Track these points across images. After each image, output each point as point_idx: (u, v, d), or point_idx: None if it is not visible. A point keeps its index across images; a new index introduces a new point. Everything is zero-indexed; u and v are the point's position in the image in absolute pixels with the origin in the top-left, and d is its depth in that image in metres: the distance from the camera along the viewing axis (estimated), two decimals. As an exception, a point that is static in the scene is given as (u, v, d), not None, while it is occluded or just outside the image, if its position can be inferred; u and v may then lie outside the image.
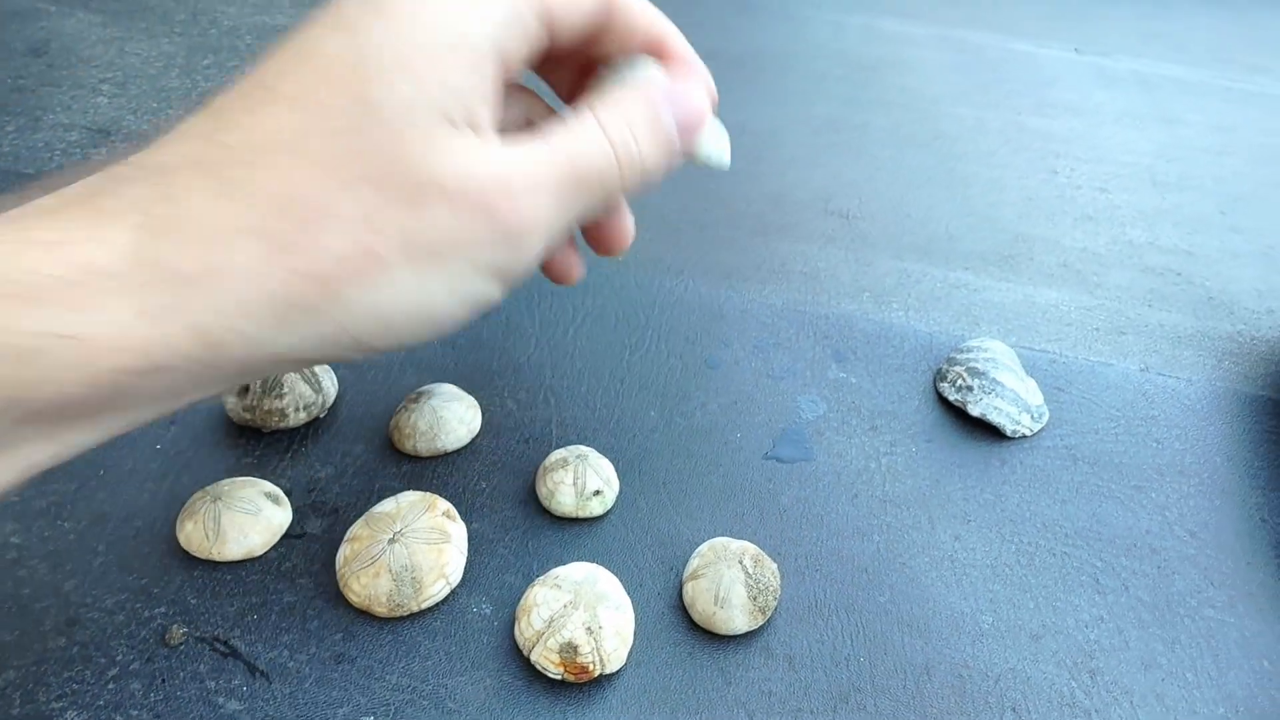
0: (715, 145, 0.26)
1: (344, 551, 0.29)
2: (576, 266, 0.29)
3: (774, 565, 0.31)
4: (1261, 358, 0.45)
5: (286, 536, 0.31)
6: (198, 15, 0.67)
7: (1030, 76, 0.79)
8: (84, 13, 0.66)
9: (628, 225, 0.28)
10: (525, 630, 0.28)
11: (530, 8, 0.22)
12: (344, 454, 0.34)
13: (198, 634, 0.28)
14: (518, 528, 0.32)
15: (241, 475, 0.32)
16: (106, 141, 0.51)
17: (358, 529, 0.29)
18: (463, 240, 0.20)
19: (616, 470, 0.34)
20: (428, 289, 0.20)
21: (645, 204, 0.37)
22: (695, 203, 0.52)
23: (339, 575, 0.29)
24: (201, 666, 0.27)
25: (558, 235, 0.22)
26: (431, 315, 0.21)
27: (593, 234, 0.28)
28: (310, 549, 0.31)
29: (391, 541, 0.29)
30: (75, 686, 0.27)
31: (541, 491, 0.33)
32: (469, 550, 0.31)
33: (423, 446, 0.34)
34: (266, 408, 0.33)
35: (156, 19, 0.66)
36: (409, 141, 0.19)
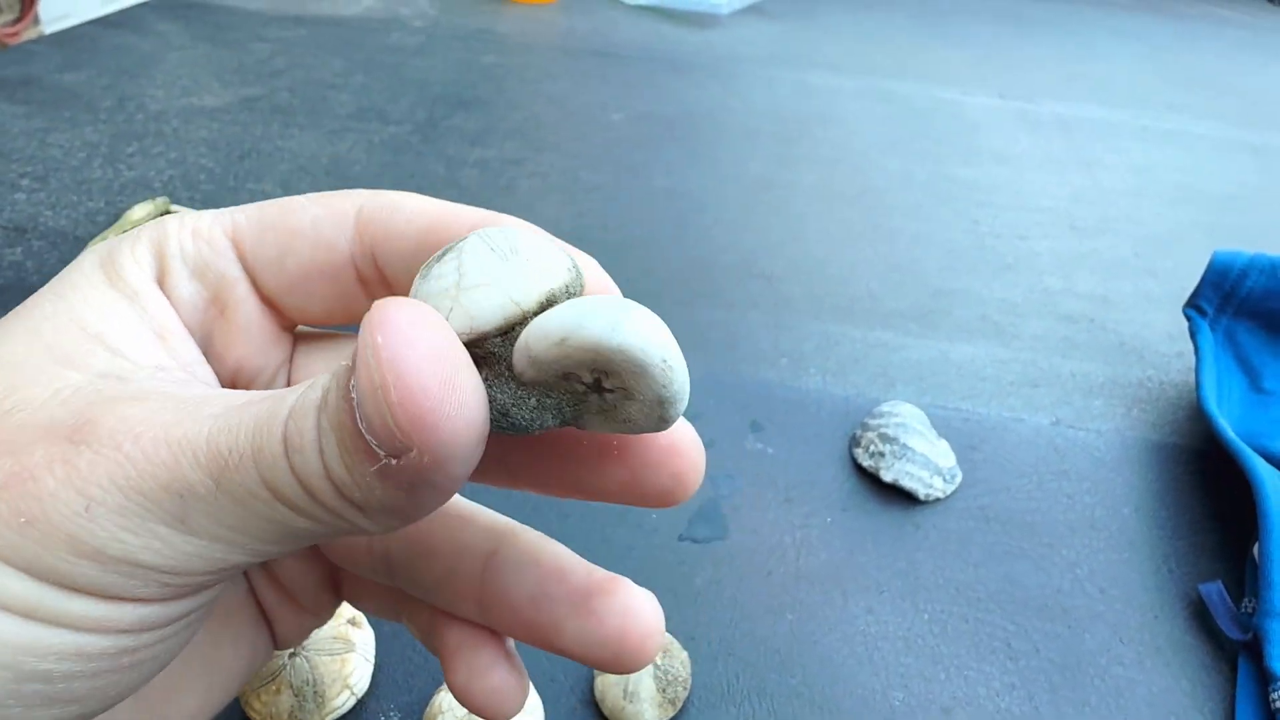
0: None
1: (245, 667, 0.29)
2: (509, 690, 0.19)
3: (684, 654, 0.31)
4: (1170, 403, 0.46)
5: (190, 651, 0.31)
6: (124, 101, 0.68)
7: (956, 125, 0.81)
8: (7, 104, 0.66)
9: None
10: (430, 739, 0.28)
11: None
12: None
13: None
14: (429, 626, 0.32)
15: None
16: (23, 240, 0.51)
17: (259, 643, 0.29)
18: None
19: (530, 560, 0.34)
20: None
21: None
22: (616, 270, 0.53)
23: (240, 695, 0.28)
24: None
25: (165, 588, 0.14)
26: None
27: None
28: (214, 663, 0.30)
29: (292, 655, 0.28)
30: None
31: (453, 587, 0.33)
32: (377, 656, 0.31)
33: (333, 547, 0.33)
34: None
35: (81, 107, 0.66)
36: None
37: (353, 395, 0.13)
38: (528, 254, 0.15)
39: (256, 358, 0.19)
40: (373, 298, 0.18)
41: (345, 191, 0.18)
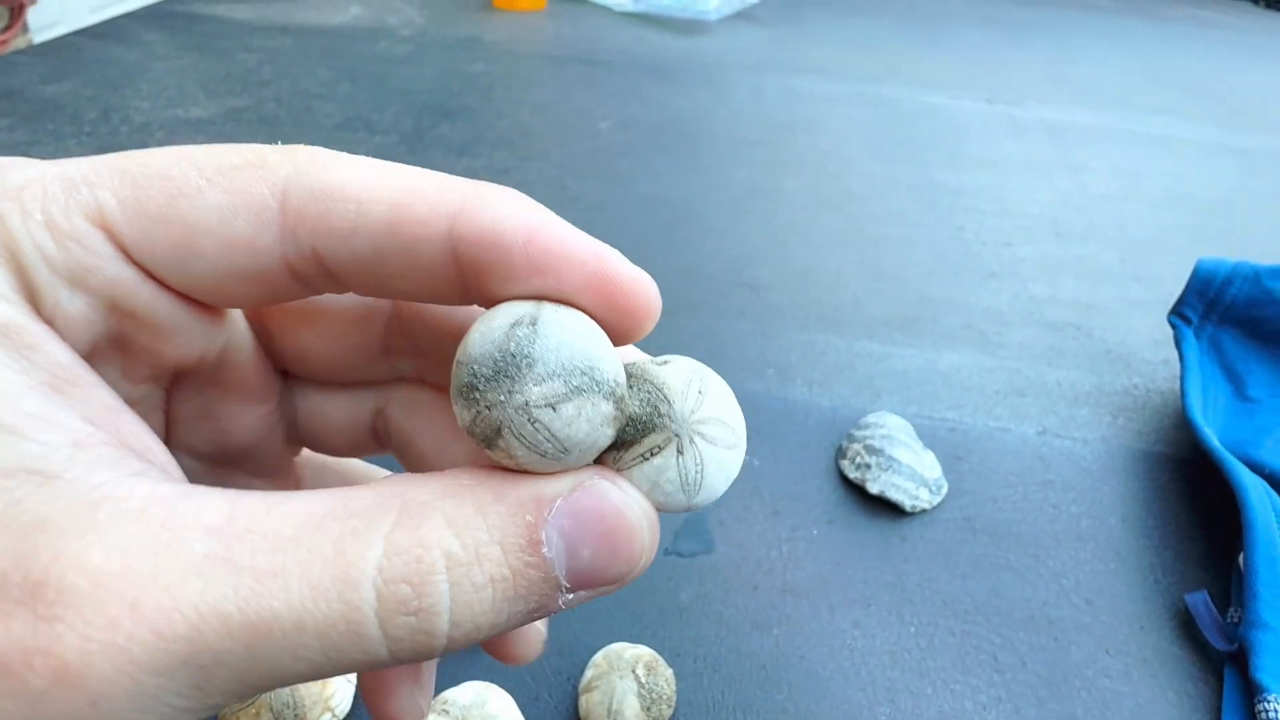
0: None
1: (225, 691, 0.29)
2: (411, 712, 0.19)
3: (669, 671, 0.30)
4: (1156, 411, 0.46)
5: (171, 674, 0.30)
6: (109, 113, 0.67)
7: (943, 130, 0.81)
8: (-8, 117, 0.66)
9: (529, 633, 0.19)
10: (412, 761, 0.27)
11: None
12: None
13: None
14: (413, 645, 0.32)
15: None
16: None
17: (239, 666, 0.29)
18: None
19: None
20: None
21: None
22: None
23: (220, 716, 0.28)
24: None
25: None
26: None
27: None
28: (194, 687, 0.30)
29: (272, 678, 0.28)
30: None
31: (436, 606, 0.32)
32: (359, 676, 0.30)
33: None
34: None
35: (65, 119, 0.66)
36: None
37: (545, 547, 0.13)
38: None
39: (195, 347, 0.16)
40: (318, 293, 0.15)
41: (248, 157, 0.14)
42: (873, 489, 0.38)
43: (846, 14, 1.18)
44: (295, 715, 0.28)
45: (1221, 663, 0.33)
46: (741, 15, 1.11)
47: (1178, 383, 0.47)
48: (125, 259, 0.13)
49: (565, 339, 0.13)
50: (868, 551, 0.37)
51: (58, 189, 0.13)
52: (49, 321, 0.13)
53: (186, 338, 0.15)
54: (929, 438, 0.42)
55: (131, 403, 0.15)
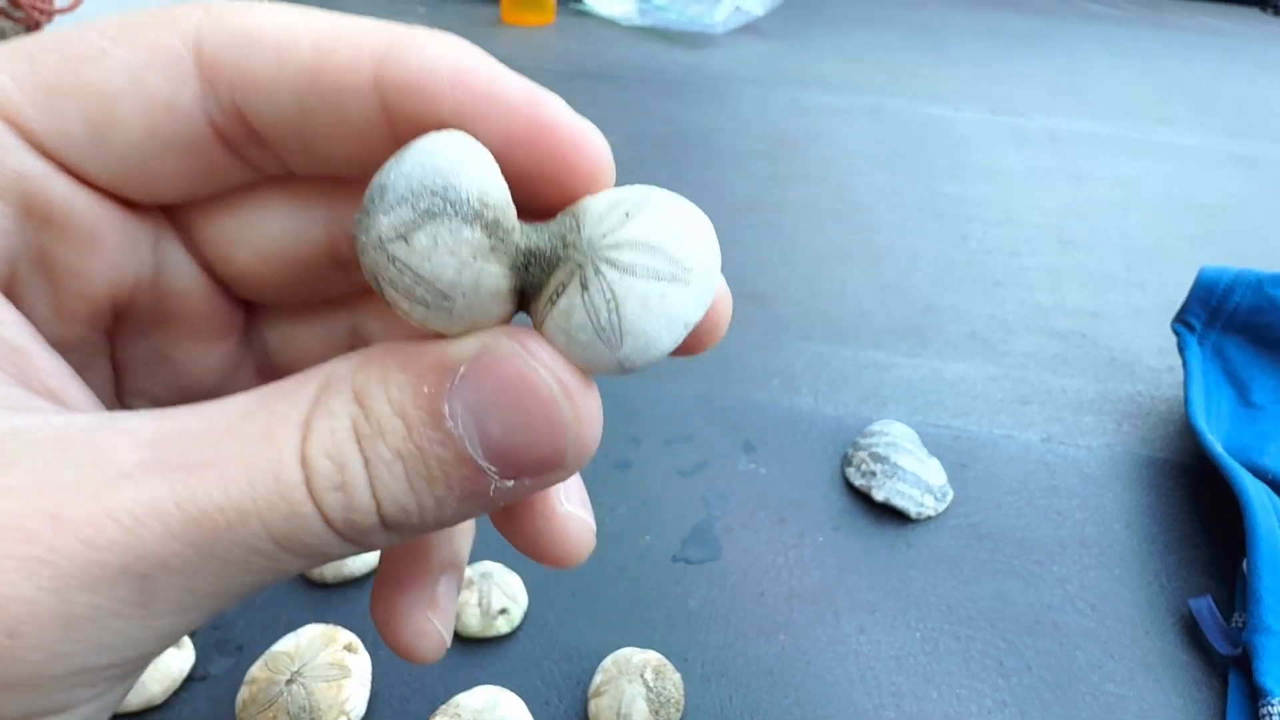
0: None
1: (243, 695, 0.29)
2: (429, 634, 0.17)
3: (677, 676, 0.31)
4: (1160, 418, 0.46)
5: (189, 680, 0.31)
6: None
7: (946, 141, 0.82)
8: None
9: (572, 522, 0.16)
10: (425, 764, 0.28)
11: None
12: (253, 585, 0.34)
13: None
14: (425, 651, 0.32)
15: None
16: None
17: (256, 670, 0.30)
18: None
19: (525, 583, 0.34)
20: None
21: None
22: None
23: (236, 716, 0.29)
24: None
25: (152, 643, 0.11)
26: None
27: (516, 537, 0.16)
28: (213, 692, 0.31)
29: (289, 682, 0.29)
30: None
31: (448, 612, 0.33)
32: (374, 681, 0.31)
33: (329, 573, 0.34)
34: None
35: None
36: None
37: (449, 421, 0.11)
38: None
39: (126, 264, 0.14)
40: (246, 160, 0.13)
41: (154, 13, 0.12)
42: (878, 496, 0.38)
43: (851, 27, 1.19)
44: (312, 719, 0.28)
45: (1226, 667, 0.33)
46: (747, 29, 1.12)
47: (1182, 389, 0.47)
48: (31, 149, 0.12)
49: (421, 161, 0.11)
50: (873, 558, 0.37)
51: None
52: None
53: (114, 249, 0.13)
54: (934, 445, 0.43)
55: (68, 348, 0.13)
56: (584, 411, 0.12)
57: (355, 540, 0.11)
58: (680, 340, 0.12)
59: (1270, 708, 0.30)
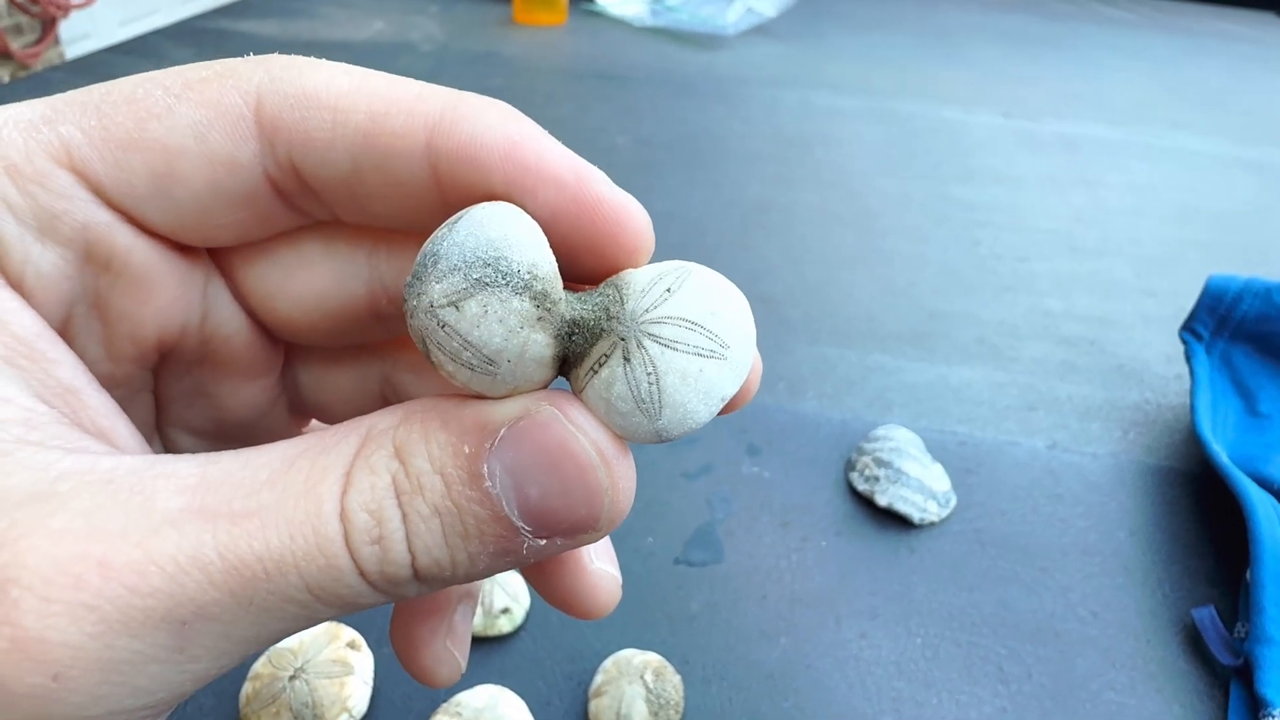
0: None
1: (246, 690, 0.29)
2: (447, 662, 0.18)
3: (677, 678, 0.31)
4: (1167, 426, 0.46)
5: (195, 674, 0.31)
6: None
7: (957, 145, 0.82)
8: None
9: (602, 579, 0.17)
10: (426, 762, 0.28)
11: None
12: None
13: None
14: (428, 649, 0.33)
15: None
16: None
17: (259, 666, 0.30)
18: None
19: (526, 585, 0.35)
20: None
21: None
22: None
23: (241, 716, 0.29)
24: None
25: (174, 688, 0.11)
26: None
27: (546, 590, 0.17)
28: (216, 687, 0.31)
29: (292, 678, 0.29)
30: None
31: (451, 611, 0.33)
32: (376, 679, 0.31)
33: (335, 571, 0.34)
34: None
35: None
36: None
37: (487, 481, 0.11)
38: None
39: (177, 308, 0.14)
40: (298, 210, 0.14)
41: (216, 69, 0.13)
42: (881, 501, 0.39)
43: (863, 29, 1.18)
44: (314, 715, 0.29)
45: (1227, 677, 0.33)
46: (759, 30, 1.12)
47: (1189, 398, 0.47)
48: (98, 200, 0.12)
49: (474, 231, 0.12)
50: (875, 563, 0.37)
51: (14, 132, 0.12)
52: (18, 281, 0.12)
53: (168, 294, 0.14)
54: (939, 451, 0.43)
55: (114, 384, 0.14)
56: (620, 479, 0.13)
57: (387, 591, 0.12)
58: (716, 413, 0.13)
59: (1271, 718, 0.30)
